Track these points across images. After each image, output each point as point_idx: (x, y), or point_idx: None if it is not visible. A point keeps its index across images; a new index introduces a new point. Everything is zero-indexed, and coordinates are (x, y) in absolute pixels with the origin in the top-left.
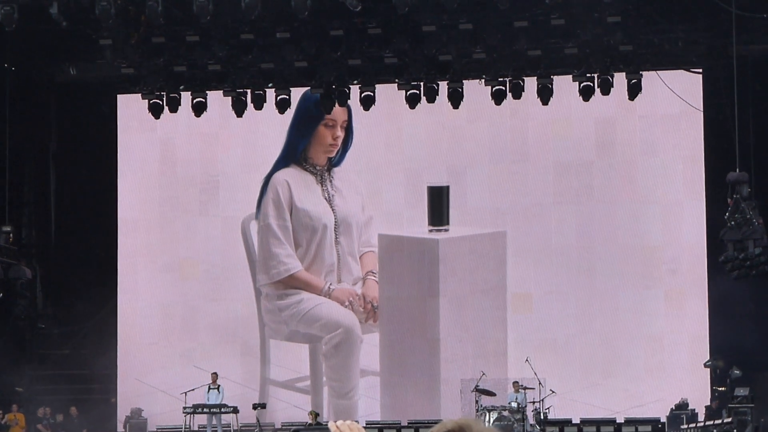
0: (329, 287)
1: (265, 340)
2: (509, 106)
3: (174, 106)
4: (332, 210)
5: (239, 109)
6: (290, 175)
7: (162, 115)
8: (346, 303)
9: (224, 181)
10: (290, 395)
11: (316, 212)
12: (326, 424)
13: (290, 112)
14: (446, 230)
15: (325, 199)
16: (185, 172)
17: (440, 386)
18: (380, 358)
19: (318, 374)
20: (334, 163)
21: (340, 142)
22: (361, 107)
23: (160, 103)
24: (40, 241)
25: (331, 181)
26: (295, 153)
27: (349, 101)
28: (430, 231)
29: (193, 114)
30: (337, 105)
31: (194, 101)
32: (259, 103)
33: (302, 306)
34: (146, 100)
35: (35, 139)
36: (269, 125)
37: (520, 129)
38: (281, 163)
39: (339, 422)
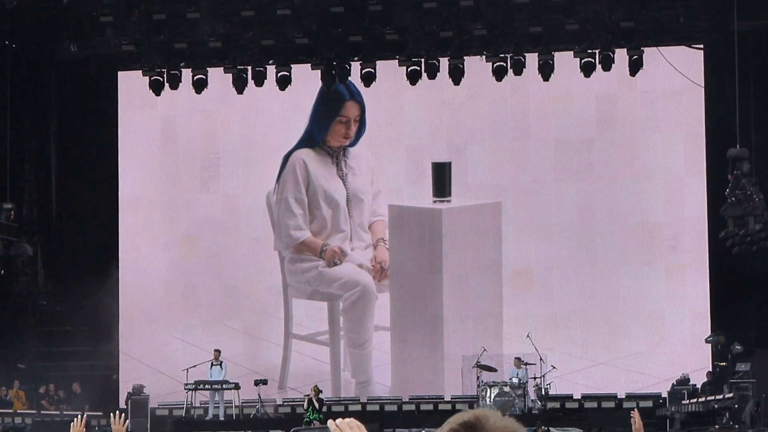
0: (323, 248)
1: (288, 299)
2: (510, 82)
3: (175, 83)
4: (345, 186)
5: (240, 85)
6: (308, 154)
7: (162, 92)
8: (336, 260)
9: (225, 158)
10: (311, 347)
11: (331, 188)
12: (319, 416)
13: (291, 89)
14: (449, 201)
15: (339, 177)
16: (186, 149)
17: (444, 362)
18: (391, 316)
19: (336, 329)
20: (348, 145)
21: (353, 135)
22: (362, 84)
23: (161, 80)
24: (41, 219)
25: (345, 161)
26: (313, 141)
27: (349, 79)
28: (434, 202)
29: (193, 91)
30: (350, 101)
31: (195, 78)
32: (259, 80)
33: (322, 268)
34: (147, 77)
35: (36, 116)
36: (270, 102)
37: (520, 105)
38: (301, 144)
39: (338, 420)
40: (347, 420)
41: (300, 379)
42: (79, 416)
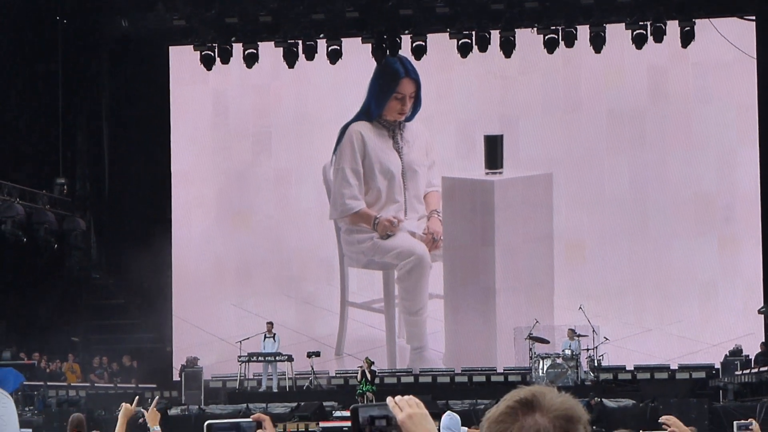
0: (375, 220)
1: (344, 268)
2: (561, 54)
3: (226, 58)
4: (400, 159)
5: (291, 60)
6: (364, 127)
7: (214, 67)
8: (389, 233)
9: (276, 132)
10: (367, 315)
11: (386, 160)
12: (372, 388)
13: (341, 62)
14: (501, 173)
15: (395, 149)
16: (237, 124)
17: (496, 333)
18: (444, 286)
19: (390, 296)
20: (405, 119)
21: (408, 111)
22: (413, 57)
23: (212, 54)
24: (93, 193)
25: (401, 134)
26: (370, 115)
27: (405, 56)
28: (487, 174)
29: (244, 65)
30: (405, 78)
31: (246, 52)
32: (310, 54)
33: (377, 239)
34: (198, 52)
35: (88, 91)
36: (321, 76)
37: (572, 78)
38: (359, 117)
39: (397, 398)
40: (406, 397)
41: (356, 346)
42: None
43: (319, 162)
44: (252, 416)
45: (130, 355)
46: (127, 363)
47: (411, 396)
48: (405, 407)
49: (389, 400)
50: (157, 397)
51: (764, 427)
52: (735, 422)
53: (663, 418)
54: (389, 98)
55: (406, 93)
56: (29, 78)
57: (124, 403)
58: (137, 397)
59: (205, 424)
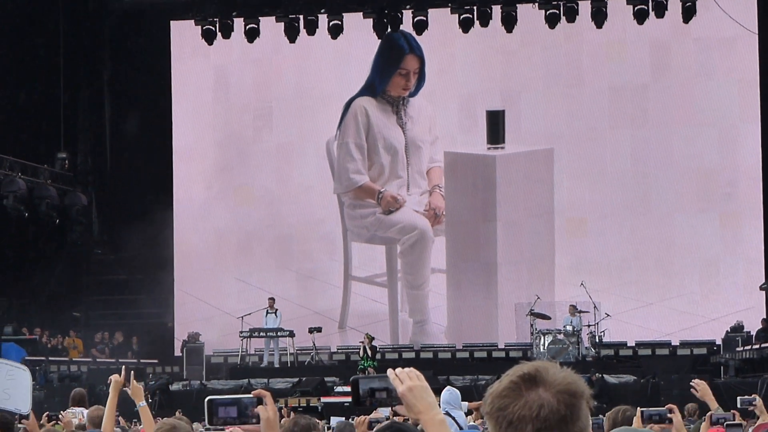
0: (379, 195)
1: (348, 243)
2: (563, 30)
3: (227, 32)
4: (404, 134)
5: (292, 35)
6: (368, 102)
7: (215, 42)
8: (392, 208)
9: (277, 107)
10: (369, 289)
11: (390, 136)
12: (373, 363)
13: (342, 37)
14: (503, 148)
15: (399, 125)
16: (239, 99)
17: (498, 309)
18: (446, 261)
19: (393, 271)
20: (409, 95)
21: (412, 86)
22: (414, 32)
23: (213, 29)
24: (95, 168)
25: (405, 110)
26: (374, 90)
27: (409, 33)
28: (489, 149)
29: (246, 40)
30: (410, 54)
31: (247, 27)
32: (311, 29)
33: (380, 214)
34: (199, 27)
35: (90, 66)
36: (322, 51)
37: (574, 53)
38: (363, 92)
39: (398, 370)
40: (406, 370)
41: (359, 320)
42: (123, 369)
43: (320, 137)
44: (253, 392)
45: (130, 331)
46: (120, 339)
47: (412, 368)
48: (405, 379)
49: (390, 372)
50: (125, 367)
51: (765, 404)
52: (738, 397)
53: (695, 382)
54: (393, 74)
55: (410, 69)
56: (31, 52)
57: (113, 376)
58: (124, 367)
59: (206, 399)
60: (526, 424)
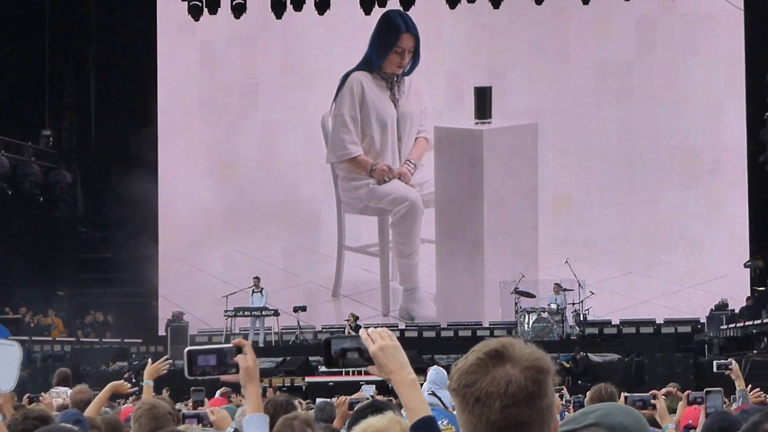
0: (373, 167)
1: (342, 214)
2: (550, 5)
3: (213, 8)
4: (396, 110)
5: (278, 10)
6: (365, 77)
7: (201, 18)
8: (386, 178)
9: (264, 84)
10: (361, 259)
11: (383, 111)
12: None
13: (329, 13)
14: (489, 123)
15: (392, 101)
16: (225, 75)
17: (484, 287)
18: (435, 233)
19: (385, 241)
20: (403, 73)
21: (407, 64)
22: (401, 8)
23: (200, 4)
24: (80, 146)
25: (399, 87)
26: (371, 66)
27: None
28: (476, 123)
29: (232, 16)
30: (406, 33)
31: (233, 3)
32: (298, 5)
33: (373, 185)
34: (186, 2)
35: (75, 43)
36: (309, 27)
37: (560, 29)
38: (360, 66)
39: (370, 329)
40: (378, 329)
41: (352, 288)
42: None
43: (307, 113)
44: (233, 341)
45: (114, 310)
46: (100, 318)
47: (384, 328)
48: (377, 339)
49: (362, 332)
50: (169, 359)
51: (749, 381)
52: (714, 361)
53: (730, 361)
54: (390, 51)
55: (405, 47)
56: (15, 29)
57: (114, 382)
58: (128, 376)
59: (185, 350)
60: (493, 401)
